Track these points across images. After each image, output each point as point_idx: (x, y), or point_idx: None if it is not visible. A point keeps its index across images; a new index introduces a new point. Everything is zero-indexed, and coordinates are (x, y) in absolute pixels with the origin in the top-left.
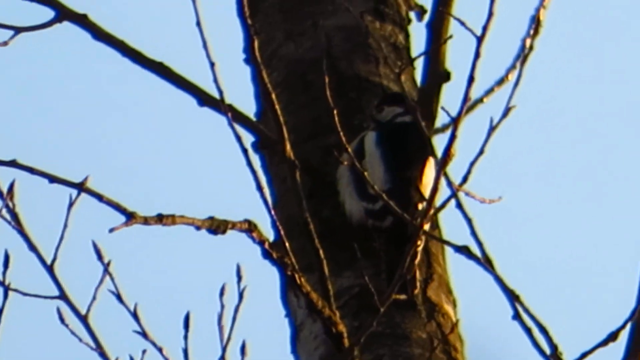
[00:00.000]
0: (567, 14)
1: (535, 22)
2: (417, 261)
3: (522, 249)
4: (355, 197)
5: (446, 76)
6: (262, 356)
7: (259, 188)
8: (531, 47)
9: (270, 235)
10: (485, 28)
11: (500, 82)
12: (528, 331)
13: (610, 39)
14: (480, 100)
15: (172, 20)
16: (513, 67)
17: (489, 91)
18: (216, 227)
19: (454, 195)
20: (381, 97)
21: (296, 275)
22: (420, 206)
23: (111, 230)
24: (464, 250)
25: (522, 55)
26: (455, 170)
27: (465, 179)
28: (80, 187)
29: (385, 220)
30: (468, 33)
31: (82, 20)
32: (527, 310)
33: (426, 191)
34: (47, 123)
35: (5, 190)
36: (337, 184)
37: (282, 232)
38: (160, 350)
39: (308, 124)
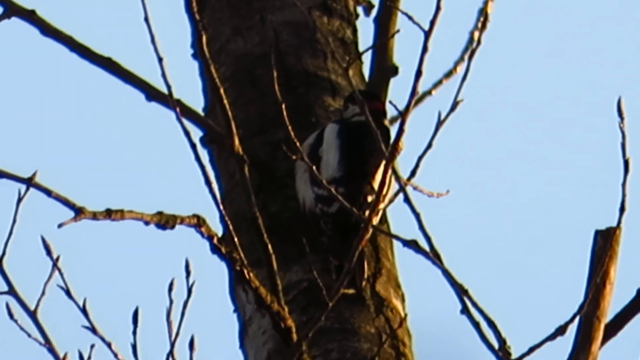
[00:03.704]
0: (515, 7)
1: (483, 16)
2: (363, 242)
3: (470, 242)
4: (308, 184)
5: (394, 70)
6: (211, 351)
7: (207, 183)
8: (479, 41)
9: (218, 230)
10: (432, 22)
11: (449, 74)
12: (476, 325)
13: (558, 33)
14: (428, 93)
15: (120, 15)
16: (461, 59)
17: (437, 83)
18: (165, 222)
19: (401, 189)
20: (348, 95)
21: (245, 270)
22: (369, 198)
23: (60, 226)
24: (412, 244)
25: (470, 48)
26: (403, 164)
27: (413, 173)
28: (29, 182)
29: (332, 206)
30: (415, 27)
31: (30, 16)
32: (475, 305)
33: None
34: None
35: None
36: (295, 173)
37: (230, 227)
38: (109, 345)
39: (256, 118)
